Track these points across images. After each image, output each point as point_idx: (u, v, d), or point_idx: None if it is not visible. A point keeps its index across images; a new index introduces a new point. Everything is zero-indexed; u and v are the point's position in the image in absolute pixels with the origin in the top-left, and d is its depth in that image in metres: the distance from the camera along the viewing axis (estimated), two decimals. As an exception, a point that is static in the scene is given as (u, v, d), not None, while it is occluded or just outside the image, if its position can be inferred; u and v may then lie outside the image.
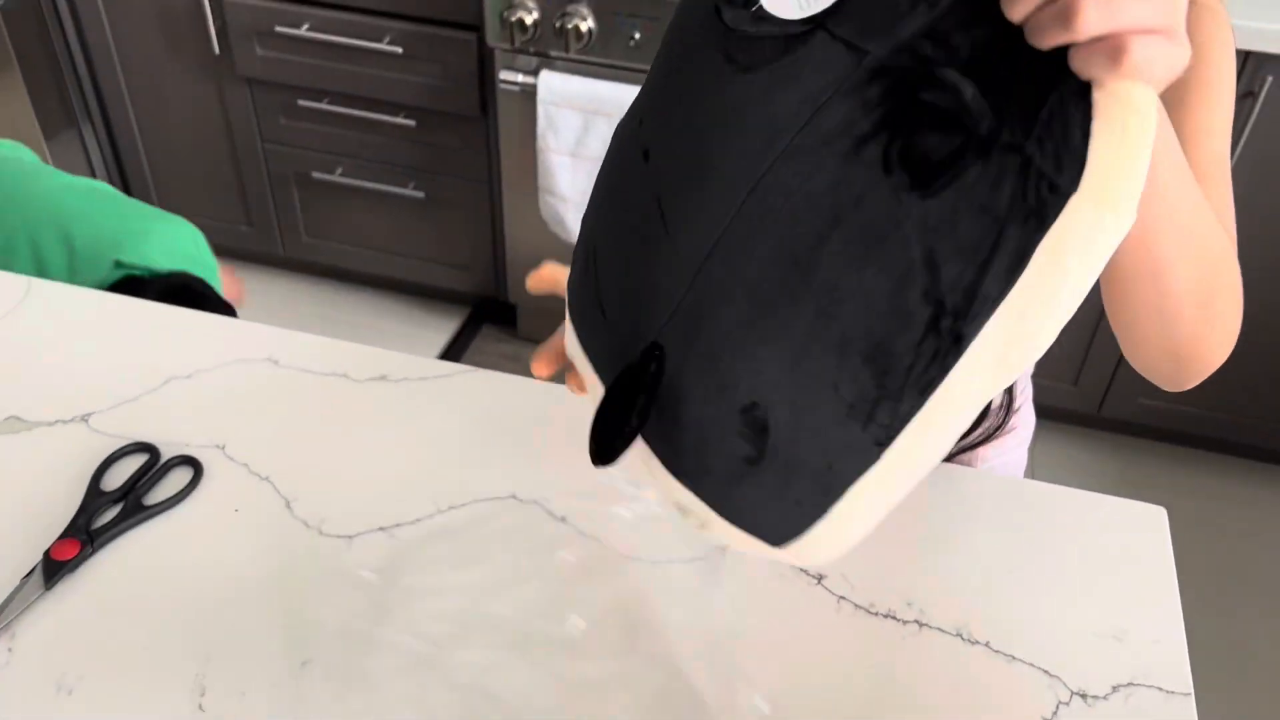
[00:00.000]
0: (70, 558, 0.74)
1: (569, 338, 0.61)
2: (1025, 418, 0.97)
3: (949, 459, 0.89)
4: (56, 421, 0.86)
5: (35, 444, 0.84)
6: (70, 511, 0.78)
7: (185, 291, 1.16)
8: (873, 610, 0.74)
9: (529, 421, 0.88)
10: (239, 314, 1.39)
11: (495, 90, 1.90)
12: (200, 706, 0.67)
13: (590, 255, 0.58)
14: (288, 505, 0.80)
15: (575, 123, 1.84)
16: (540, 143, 1.87)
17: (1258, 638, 1.82)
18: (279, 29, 1.96)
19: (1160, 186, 0.49)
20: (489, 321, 2.39)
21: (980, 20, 0.40)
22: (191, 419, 0.86)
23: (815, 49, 0.44)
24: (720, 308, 0.48)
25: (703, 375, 0.49)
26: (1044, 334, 0.42)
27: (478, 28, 1.87)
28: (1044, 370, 0.96)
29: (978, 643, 0.72)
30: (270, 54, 2.01)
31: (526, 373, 0.93)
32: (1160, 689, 0.70)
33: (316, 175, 2.17)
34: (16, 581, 0.73)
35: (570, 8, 1.76)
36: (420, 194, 2.13)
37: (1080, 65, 0.38)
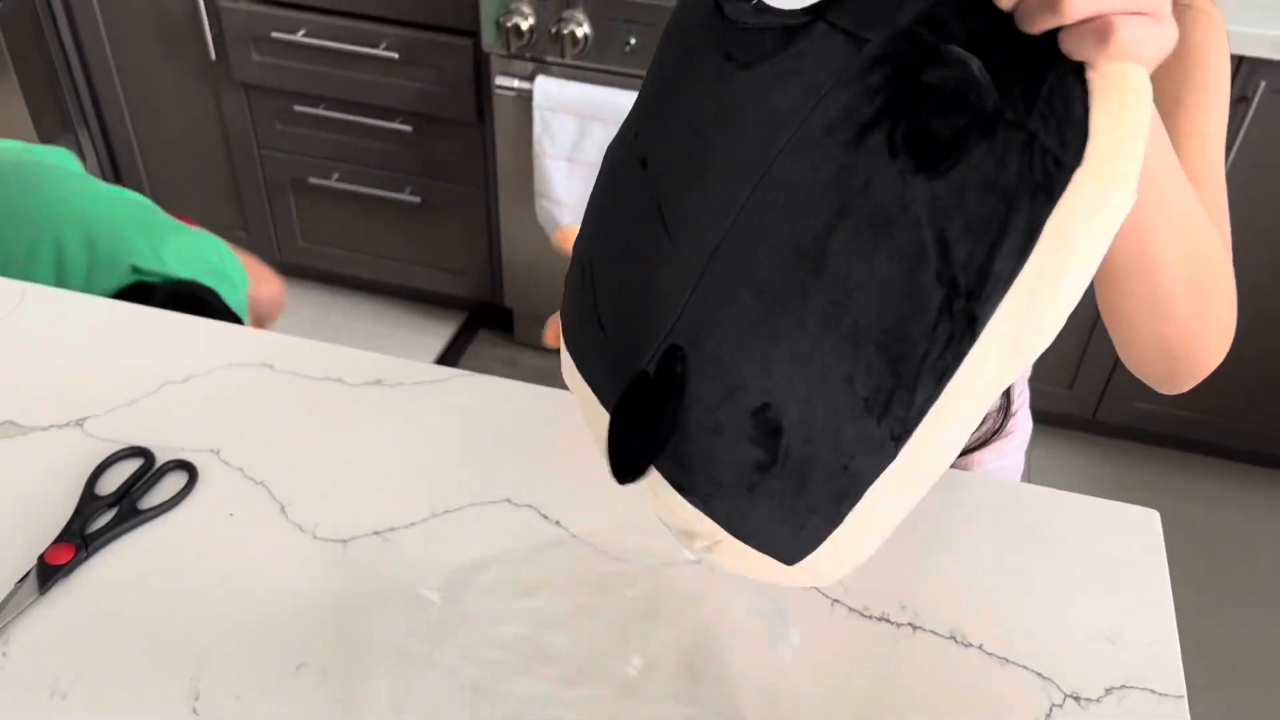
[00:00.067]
0: (65, 562, 0.74)
1: (565, 367, 0.60)
2: (1022, 422, 0.98)
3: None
4: (51, 426, 0.86)
5: (30, 448, 0.84)
6: (65, 516, 0.78)
7: (192, 300, 1.16)
8: (867, 613, 0.74)
9: (524, 426, 0.88)
10: (280, 318, 1.44)
11: (491, 95, 1.90)
12: (194, 710, 0.67)
13: (586, 273, 0.57)
14: (282, 509, 0.80)
15: (571, 128, 1.84)
16: (536, 148, 1.88)
17: (1251, 640, 1.82)
18: (275, 35, 1.96)
19: (1153, 179, 0.50)
20: (485, 326, 2.39)
21: (974, 6, 0.41)
22: (186, 423, 0.87)
23: (815, 40, 0.45)
24: (727, 308, 0.47)
25: (710, 380, 0.48)
26: (1054, 315, 0.42)
27: (474, 33, 1.87)
28: (1040, 375, 0.96)
29: (971, 645, 0.72)
30: (266, 59, 2.01)
31: (523, 377, 0.94)
32: (1153, 691, 0.70)
33: (313, 180, 2.17)
34: (11, 586, 0.73)
35: (566, 13, 1.77)
36: (416, 199, 2.13)
37: (1070, 47, 0.39)
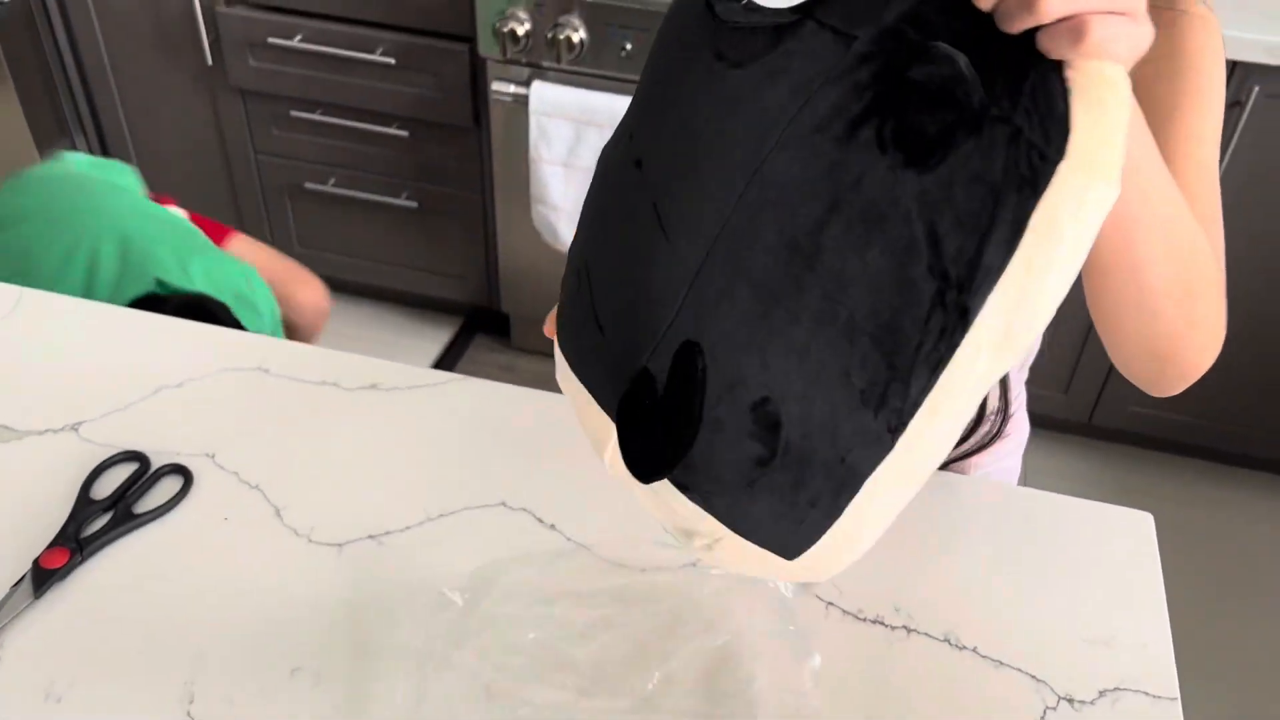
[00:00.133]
0: (59, 566, 0.74)
1: (560, 370, 0.61)
2: (1020, 424, 0.98)
3: (944, 466, 0.89)
4: (46, 430, 0.86)
5: (25, 452, 0.84)
6: (60, 520, 0.78)
7: (200, 311, 1.17)
8: (861, 616, 0.74)
9: (518, 429, 0.88)
10: (321, 329, 1.48)
11: (488, 101, 1.91)
12: (189, 714, 0.67)
13: (582, 275, 0.57)
14: (277, 513, 0.80)
15: (567, 133, 1.84)
16: (533, 153, 1.88)
17: (1245, 643, 1.82)
18: (272, 40, 1.96)
19: (1136, 175, 0.50)
20: (482, 331, 2.39)
21: (958, 6, 0.42)
22: (182, 427, 0.87)
23: (804, 38, 0.45)
24: (724, 304, 0.48)
25: (711, 376, 0.49)
26: (1042, 306, 0.43)
27: (470, 39, 1.88)
28: (1036, 380, 0.97)
29: (965, 648, 0.72)
30: (263, 65, 2.02)
31: (520, 382, 0.94)
32: (1147, 694, 0.70)
33: (309, 186, 2.17)
34: (6, 590, 0.73)
35: (562, 19, 1.77)
36: (413, 204, 2.13)
37: (1047, 45, 0.40)
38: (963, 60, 0.41)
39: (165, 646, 0.71)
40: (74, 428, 0.86)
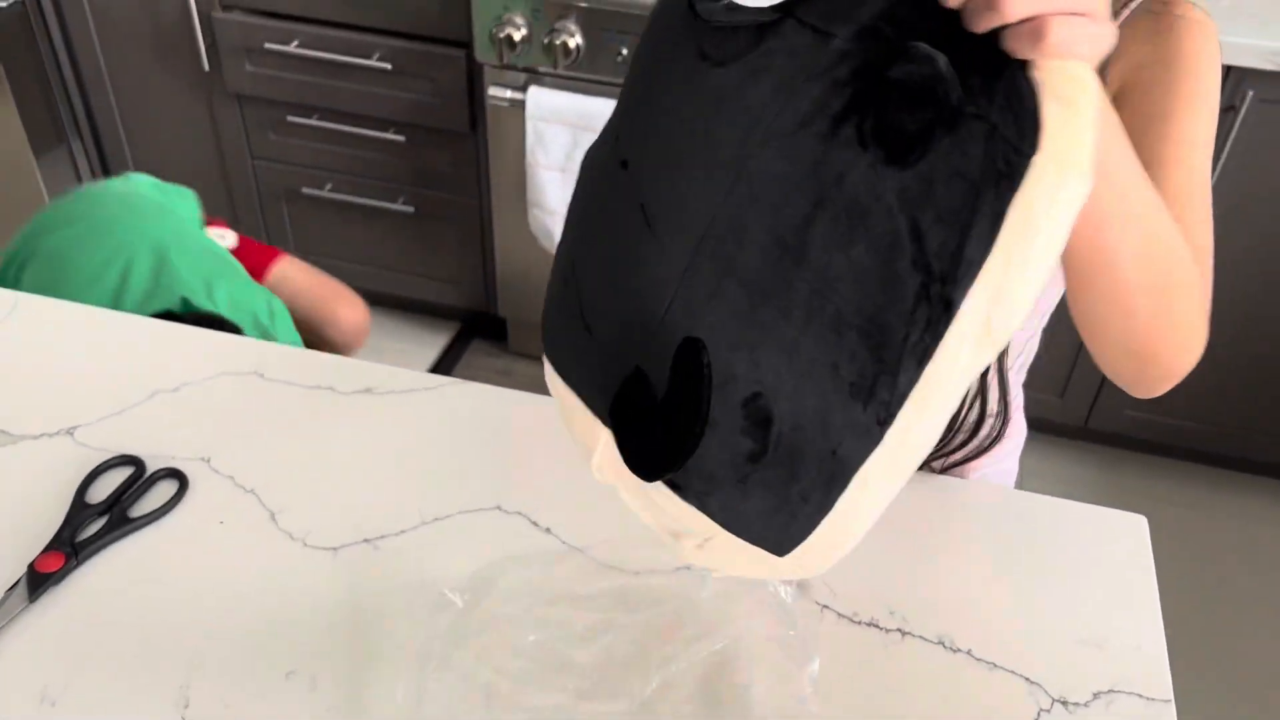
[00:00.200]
0: (55, 570, 0.74)
1: (548, 374, 0.61)
2: (1017, 426, 0.98)
3: (945, 470, 0.90)
4: (42, 434, 0.86)
5: (21, 457, 0.84)
6: (55, 524, 0.78)
7: (210, 326, 1.20)
8: (855, 619, 0.75)
9: (513, 433, 0.89)
10: (361, 346, 1.55)
11: (484, 106, 1.91)
12: (184, 718, 0.67)
13: (569, 278, 0.58)
14: (273, 517, 0.80)
15: (564, 138, 1.84)
16: (529, 158, 1.88)
17: (1238, 645, 1.83)
18: (268, 45, 1.97)
19: (1107, 172, 0.51)
20: (479, 336, 2.39)
21: (931, 4, 0.43)
22: (177, 432, 0.87)
23: (785, 37, 0.46)
24: (714, 301, 0.48)
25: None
26: (1022, 296, 0.44)
27: (467, 44, 1.88)
28: (1032, 383, 0.97)
29: (959, 651, 0.73)
30: (260, 70, 2.02)
31: (517, 387, 0.94)
32: (1141, 696, 0.70)
33: (306, 191, 2.17)
34: (1, 594, 0.73)
35: (559, 24, 1.77)
36: (410, 209, 2.14)
37: (1010, 45, 0.42)
38: (942, 59, 0.42)
39: (161, 650, 0.71)
40: (69, 432, 0.86)
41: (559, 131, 1.84)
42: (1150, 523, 0.83)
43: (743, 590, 0.73)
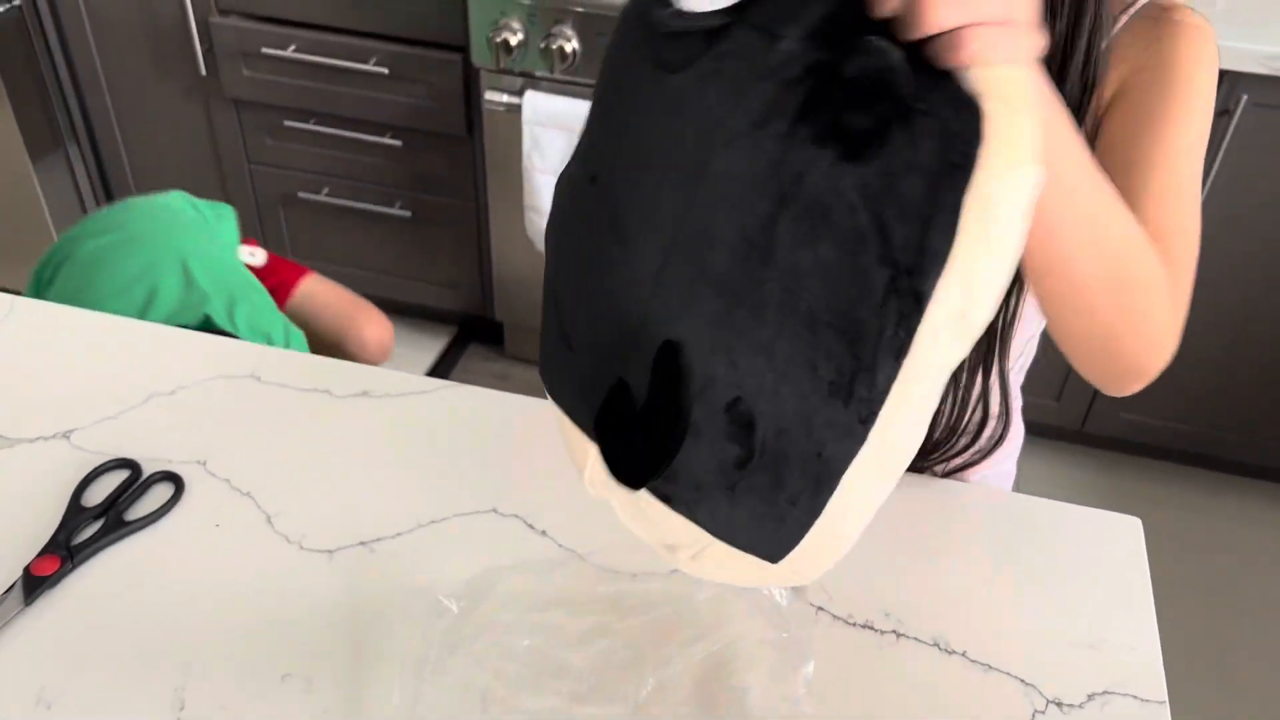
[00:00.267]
0: (50, 573, 0.74)
1: (549, 402, 0.62)
2: (1017, 427, 0.99)
3: (947, 475, 0.90)
4: (38, 438, 0.86)
5: (17, 460, 0.84)
6: (51, 527, 0.78)
7: None
8: (850, 621, 0.75)
9: (510, 436, 0.89)
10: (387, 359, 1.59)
11: (481, 110, 1.91)
12: (179, 720, 0.67)
13: (551, 299, 0.59)
14: (268, 520, 0.80)
15: (560, 142, 1.85)
16: (526, 162, 1.89)
17: (1233, 647, 1.83)
18: (265, 50, 1.97)
19: (1055, 173, 0.52)
20: (476, 340, 2.39)
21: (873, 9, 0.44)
22: (173, 435, 0.87)
23: (736, 40, 0.47)
24: (688, 306, 0.49)
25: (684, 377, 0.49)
26: (990, 285, 0.44)
27: (463, 49, 1.88)
28: (1029, 387, 0.97)
29: (954, 652, 0.73)
30: (257, 75, 2.02)
31: (514, 391, 0.94)
32: (1135, 697, 0.70)
33: (303, 195, 2.17)
34: (-4, 597, 0.73)
35: (555, 29, 1.78)
36: (407, 214, 2.14)
37: (934, 54, 0.43)
38: (895, 53, 0.43)
39: (156, 653, 0.71)
40: (65, 435, 0.86)
41: (555, 136, 1.84)
42: (1145, 525, 0.83)
43: (738, 593, 0.73)
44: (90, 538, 0.78)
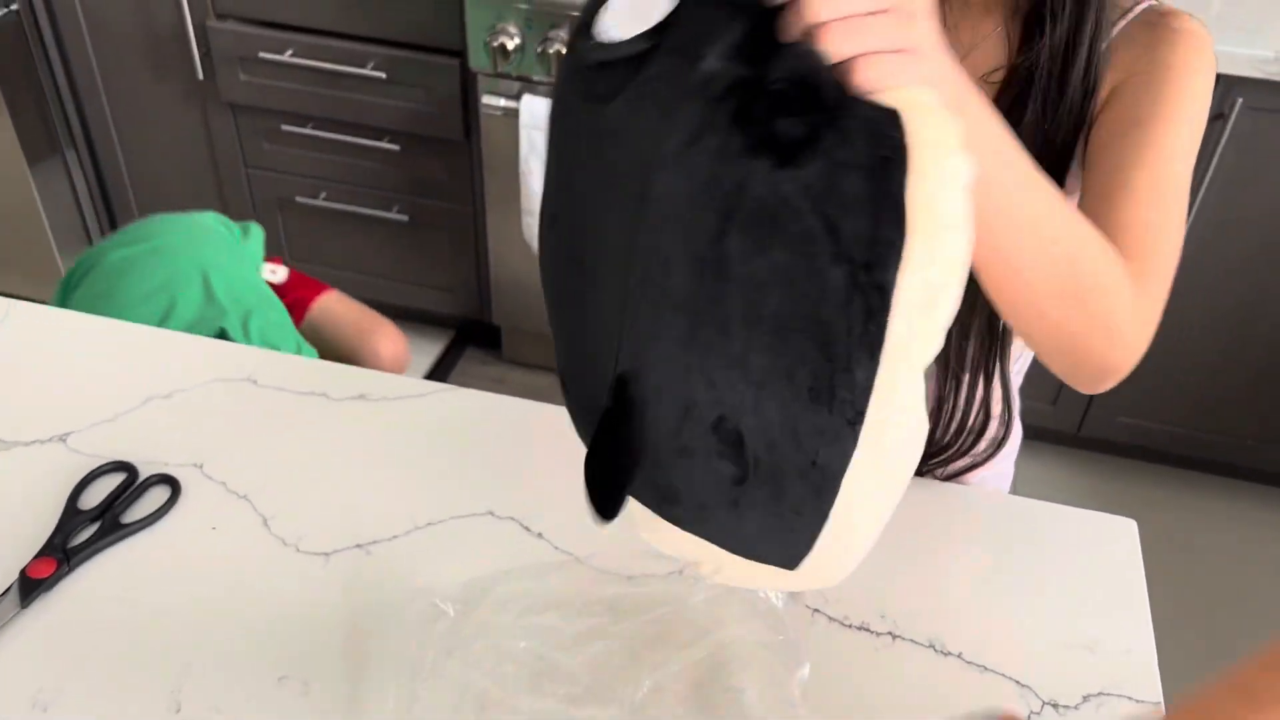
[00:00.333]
0: (46, 576, 0.74)
1: (546, 405, 0.63)
2: (1016, 428, 0.99)
3: (950, 478, 0.90)
4: (35, 441, 0.86)
5: (13, 463, 0.84)
6: (47, 530, 0.78)
7: None
8: (847, 623, 0.75)
9: (506, 439, 0.89)
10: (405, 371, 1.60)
11: (478, 115, 1.91)
12: (176, 723, 0.67)
13: (555, 336, 0.60)
14: (265, 523, 0.80)
15: (557, 146, 1.85)
16: (523, 166, 1.89)
17: (1228, 648, 1.82)
18: (262, 55, 1.97)
19: (995, 182, 0.52)
20: (474, 344, 2.39)
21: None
22: (170, 438, 0.87)
23: (659, 64, 0.48)
24: (657, 331, 0.49)
25: (664, 404, 0.50)
26: (950, 270, 0.45)
27: (461, 53, 1.88)
28: (1025, 391, 0.97)
29: (950, 654, 0.73)
30: (254, 79, 2.02)
31: (511, 394, 0.94)
32: (1130, 698, 0.71)
33: (300, 200, 2.17)
34: (-8, 600, 0.73)
35: (552, 33, 1.78)
36: (404, 218, 2.14)
37: (840, 78, 0.45)
38: (817, 60, 0.44)
39: (152, 655, 0.71)
40: (62, 438, 0.86)
41: (553, 140, 1.85)
42: (1141, 528, 0.83)
43: (733, 595, 0.73)
44: (87, 540, 0.78)
